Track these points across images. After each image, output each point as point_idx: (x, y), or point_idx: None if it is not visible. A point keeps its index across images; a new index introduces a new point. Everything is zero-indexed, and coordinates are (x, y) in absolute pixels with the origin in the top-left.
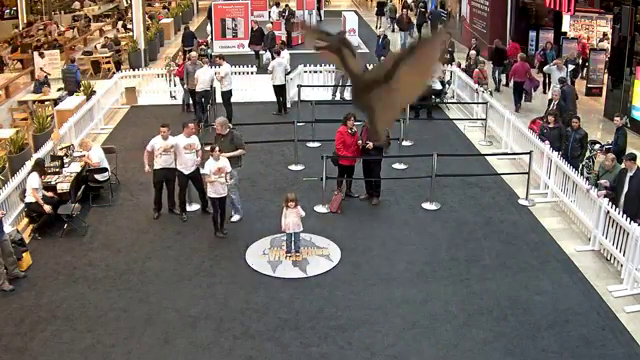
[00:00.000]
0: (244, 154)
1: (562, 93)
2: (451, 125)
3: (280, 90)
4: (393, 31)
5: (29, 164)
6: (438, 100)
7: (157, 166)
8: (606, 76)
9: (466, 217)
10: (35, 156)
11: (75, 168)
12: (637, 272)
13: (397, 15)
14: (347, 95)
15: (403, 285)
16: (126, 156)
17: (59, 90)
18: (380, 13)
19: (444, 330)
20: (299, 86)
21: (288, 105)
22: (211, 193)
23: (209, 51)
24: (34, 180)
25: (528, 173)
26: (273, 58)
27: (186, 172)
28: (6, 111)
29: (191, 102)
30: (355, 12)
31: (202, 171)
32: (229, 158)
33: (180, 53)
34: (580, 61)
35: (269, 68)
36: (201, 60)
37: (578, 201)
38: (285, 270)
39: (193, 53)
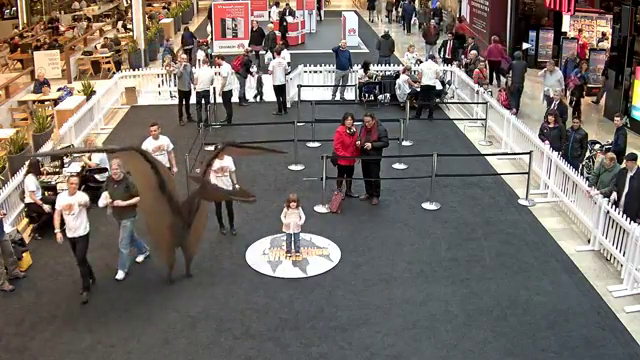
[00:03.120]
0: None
1: (510, 66)
2: (451, 125)
3: (280, 90)
4: (390, 22)
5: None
6: (438, 100)
7: None
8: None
9: (466, 217)
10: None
11: (75, 168)
12: (637, 272)
13: (424, 25)
14: (347, 95)
15: (403, 285)
16: None
17: (58, 90)
18: (371, 7)
19: (444, 330)
20: (299, 86)
21: (288, 105)
22: None
23: (209, 51)
24: (30, 182)
25: (528, 173)
26: (274, 58)
27: None
28: (6, 111)
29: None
30: (355, 12)
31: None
32: (123, 208)
33: (181, 53)
34: (579, 60)
35: (269, 68)
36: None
37: (578, 201)
38: (285, 270)
39: (183, 55)
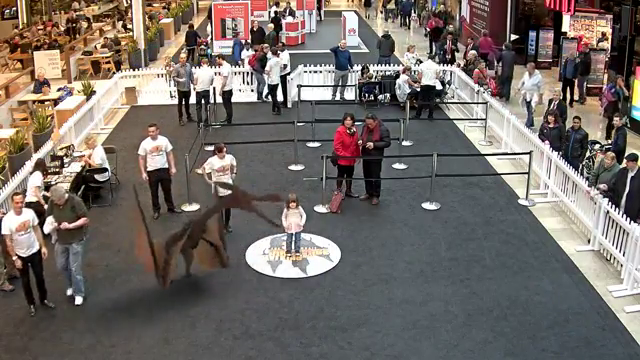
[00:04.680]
0: (87, 224)
1: (500, 57)
2: (451, 125)
3: (276, 89)
4: (386, 20)
5: (29, 164)
6: (438, 100)
7: (150, 168)
8: (606, 76)
9: (466, 217)
10: (35, 156)
11: (75, 168)
12: (637, 272)
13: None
14: (347, 95)
15: (403, 285)
16: (126, 156)
17: (58, 90)
18: (367, 4)
19: (444, 330)
20: (299, 86)
21: (289, 105)
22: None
23: (209, 51)
24: (37, 179)
25: (528, 173)
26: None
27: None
28: (6, 111)
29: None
30: (355, 12)
31: (202, 170)
32: (71, 230)
33: (184, 52)
34: (579, 60)
35: (266, 68)
36: (201, 60)
37: (578, 201)
38: (285, 270)
39: (182, 55)
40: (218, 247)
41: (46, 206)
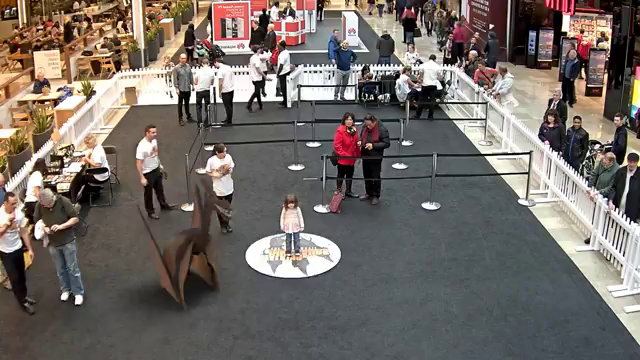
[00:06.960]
0: (77, 223)
1: (487, 45)
2: (451, 125)
3: (259, 85)
4: (380, 15)
5: (29, 164)
6: (438, 100)
7: (147, 170)
8: (606, 76)
9: (466, 217)
10: (35, 156)
11: (75, 168)
12: (637, 272)
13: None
14: (347, 95)
15: (403, 285)
16: (126, 156)
17: (58, 90)
18: (371, 1)
19: (444, 330)
20: (299, 86)
21: (288, 105)
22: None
23: (201, 51)
24: (37, 179)
25: (528, 173)
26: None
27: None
28: (6, 111)
29: (184, 104)
30: (355, 12)
31: (203, 170)
32: (62, 231)
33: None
34: (577, 60)
35: (249, 65)
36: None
37: (578, 201)
38: (285, 270)
39: (182, 55)
40: (214, 268)
41: None
